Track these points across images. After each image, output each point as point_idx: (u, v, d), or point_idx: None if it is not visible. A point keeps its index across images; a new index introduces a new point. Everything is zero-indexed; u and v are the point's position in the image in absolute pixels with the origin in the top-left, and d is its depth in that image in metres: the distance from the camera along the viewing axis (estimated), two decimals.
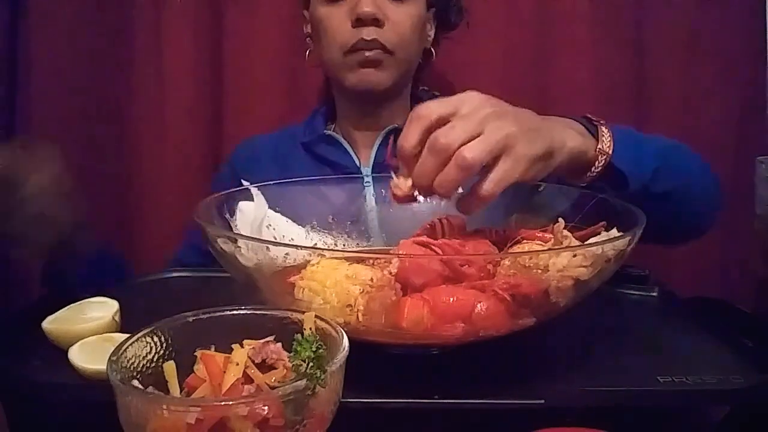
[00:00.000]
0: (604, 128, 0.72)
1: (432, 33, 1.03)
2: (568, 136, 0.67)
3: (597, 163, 0.70)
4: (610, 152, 0.70)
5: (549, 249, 0.60)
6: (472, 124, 0.57)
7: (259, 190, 0.76)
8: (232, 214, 0.72)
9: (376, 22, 0.90)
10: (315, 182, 0.84)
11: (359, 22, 0.89)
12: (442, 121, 0.59)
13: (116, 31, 1.20)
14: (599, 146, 0.70)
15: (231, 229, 0.70)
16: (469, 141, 0.57)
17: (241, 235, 0.69)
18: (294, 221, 0.78)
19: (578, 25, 1.21)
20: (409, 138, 0.59)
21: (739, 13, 1.22)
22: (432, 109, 0.60)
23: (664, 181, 0.74)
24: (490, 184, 0.58)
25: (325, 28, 0.93)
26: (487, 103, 0.61)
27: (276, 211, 0.77)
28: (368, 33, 0.89)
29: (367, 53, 0.90)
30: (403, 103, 1.02)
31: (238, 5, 1.21)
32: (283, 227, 0.76)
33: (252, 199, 0.75)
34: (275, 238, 0.73)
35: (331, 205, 0.83)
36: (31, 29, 1.17)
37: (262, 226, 0.73)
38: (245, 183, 0.77)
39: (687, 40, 1.23)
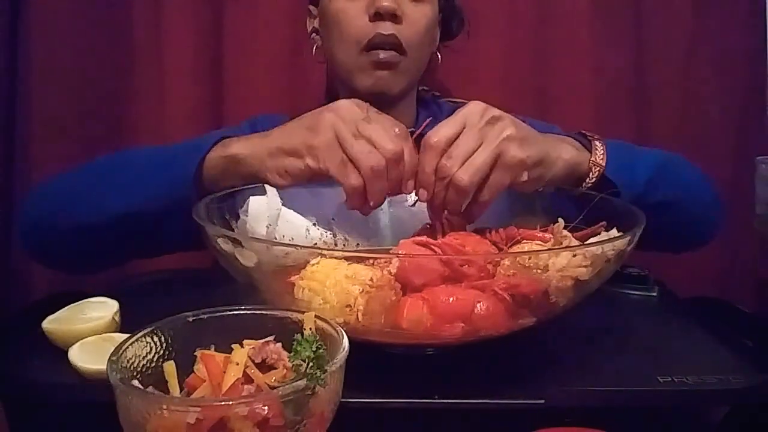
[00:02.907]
0: (597, 142, 0.77)
1: (438, 38, 1.02)
2: (563, 150, 0.74)
3: (591, 174, 0.75)
4: (603, 164, 0.76)
5: (549, 249, 0.60)
6: (474, 138, 0.65)
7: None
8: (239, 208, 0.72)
9: (395, 18, 0.88)
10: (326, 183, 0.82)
11: (377, 16, 0.87)
12: (452, 142, 0.65)
13: (116, 31, 1.20)
14: (593, 159, 0.76)
15: (231, 228, 0.70)
16: (472, 153, 0.64)
17: (241, 235, 0.69)
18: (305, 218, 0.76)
19: (578, 25, 1.21)
20: (426, 169, 0.66)
21: (739, 13, 1.23)
22: (441, 135, 0.66)
23: (660, 191, 0.77)
24: (485, 192, 0.66)
25: (340, 22, 0.90)
26: (488, 111, 0.67)
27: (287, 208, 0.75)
28: (386, 28, 0.87)
29: (382, 54, 0.88)
30: (409, 105, 1.01)
31: (238, 5, 1.20)
32: (299, 222, 0.75)
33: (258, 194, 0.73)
34: (292, 238, 0.73)
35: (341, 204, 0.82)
36: (31, 29, 1.17)
37: (279, 221, 0.72)
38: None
39: (687, 41, 1.23)
